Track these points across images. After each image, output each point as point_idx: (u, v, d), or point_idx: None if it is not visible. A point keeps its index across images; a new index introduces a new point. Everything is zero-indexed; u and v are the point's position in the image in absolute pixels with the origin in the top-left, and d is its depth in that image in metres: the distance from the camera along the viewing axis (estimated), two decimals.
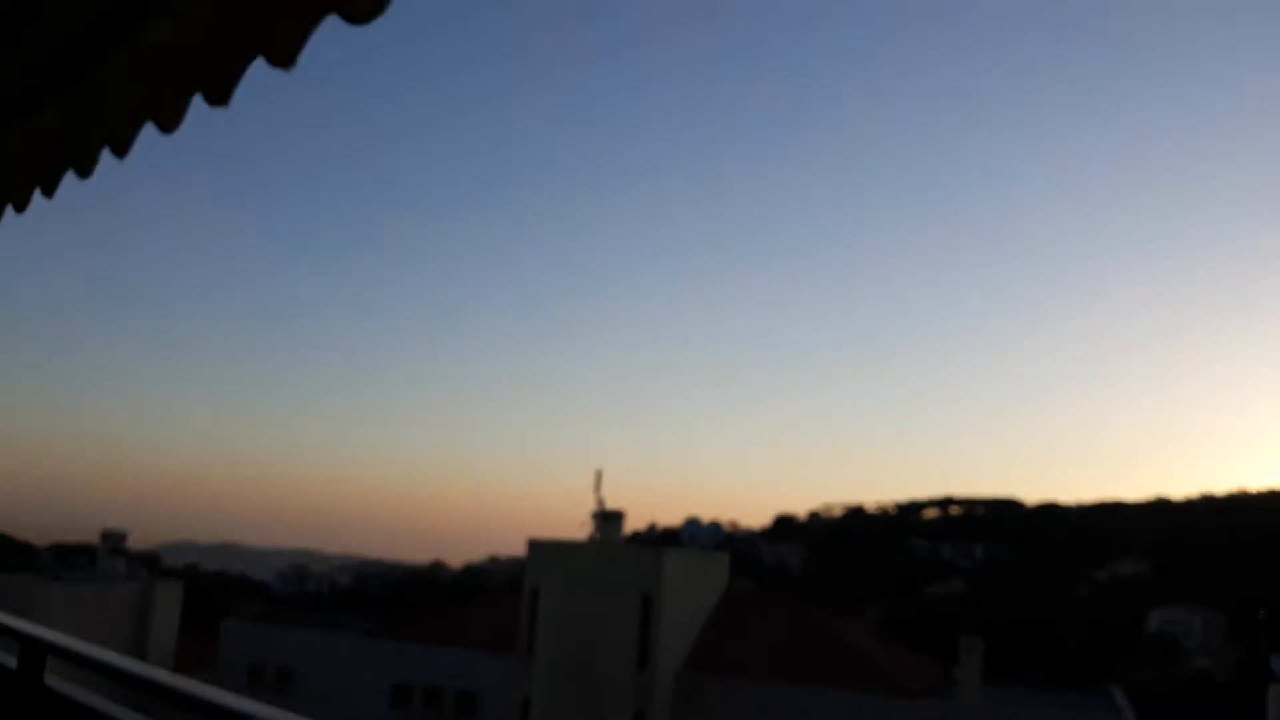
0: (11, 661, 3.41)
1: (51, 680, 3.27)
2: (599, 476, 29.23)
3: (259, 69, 1.82)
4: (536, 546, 27.71)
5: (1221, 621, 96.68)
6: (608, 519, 28.84)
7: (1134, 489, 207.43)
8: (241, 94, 1.91)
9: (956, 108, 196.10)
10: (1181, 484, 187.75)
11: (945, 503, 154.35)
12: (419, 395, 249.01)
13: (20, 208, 2.87)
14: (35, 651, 3.30)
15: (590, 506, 28.79)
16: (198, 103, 2.00)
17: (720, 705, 25.40)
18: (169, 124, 2.10)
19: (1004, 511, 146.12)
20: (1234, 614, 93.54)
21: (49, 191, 2.70)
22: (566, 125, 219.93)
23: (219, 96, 1.92)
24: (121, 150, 2.31)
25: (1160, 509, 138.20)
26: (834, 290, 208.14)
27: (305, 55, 1.73)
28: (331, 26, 1.67)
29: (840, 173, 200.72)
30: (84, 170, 2.48)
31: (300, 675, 27.48)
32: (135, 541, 35.54)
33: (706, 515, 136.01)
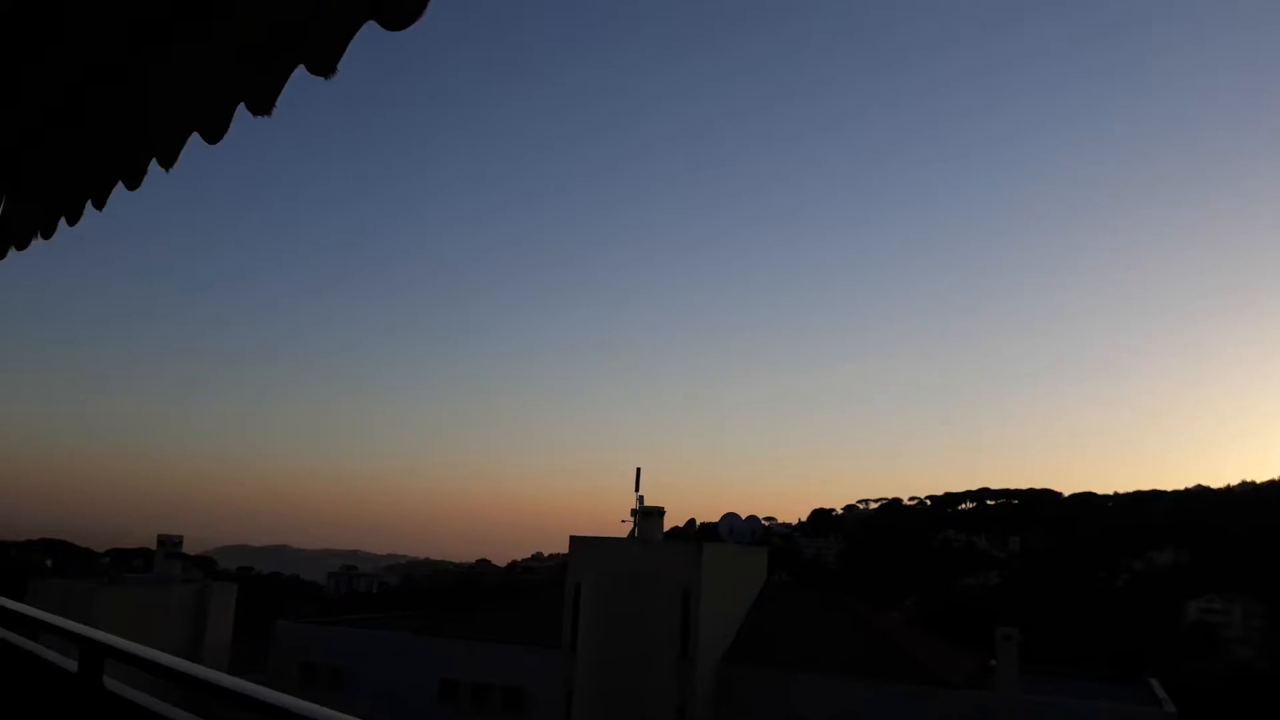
0: (72, 665, 3.46)
1: (111, 683, 3.30)
2: (639, 474, 29.69)
3: (300, 76, 1.85)
4: (578, 543, 28.19)
5: (1262, 611, 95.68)
6: (648, 515, 29.28)
7: (1172, 478, 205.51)
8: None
9: (971, 100, 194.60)
10: (1220, 472, 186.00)
11: (981, 494, 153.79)
12: (464, 398, 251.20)
13: (72, 220, 2.89)
14: (94, 654, 3.33)
15: (631, 503, 29.26)
16: (241, 112, 2.03)
17: (760, 697, 25.86)
18: (214, 134, 2.12)
19: (1040, 502, 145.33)
20: (1275, 603, 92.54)
21: (99, 203, 2.73)
22: (604, 131, 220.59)
23: (262, 106, 1.95)
24: (168, 161, 2.33)
25: (1199, 497, 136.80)
26: (868, 287, 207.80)
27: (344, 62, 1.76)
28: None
29: (871, 170, 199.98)
30: (133, 181, 2.51)
31: (351, 673, 28.25)
32: (191, 546, 36.48)
33: (744, 510, 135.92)
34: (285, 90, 1.90)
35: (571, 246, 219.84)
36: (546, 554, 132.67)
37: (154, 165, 2.41)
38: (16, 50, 2.47)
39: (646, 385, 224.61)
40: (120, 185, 2.59)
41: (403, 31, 1.66)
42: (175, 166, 2.33)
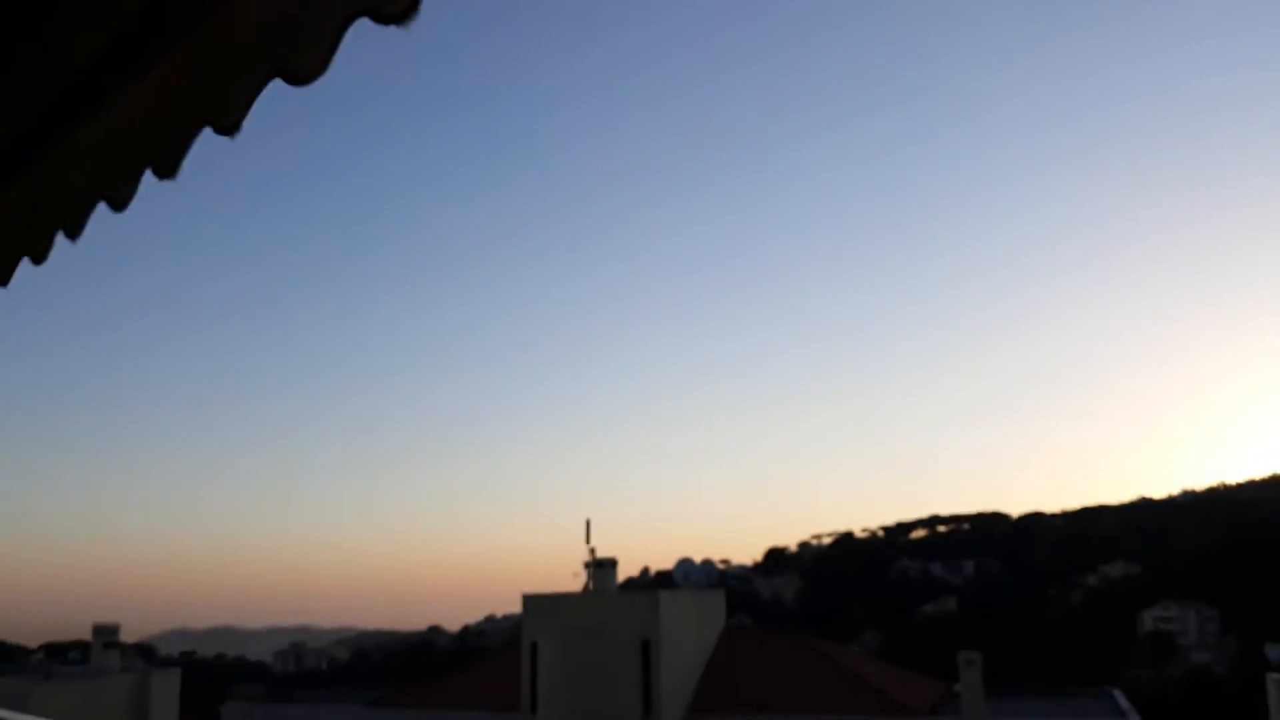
0: None
1: None
2: (589, 525, 29.36)
3: (206, 138, 1.83)
4: (531, 601, 27.75)
5: (1215, 616, 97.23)
6: (600, 567, 28.90)
7: (1116, 492, 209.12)
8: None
9: (948, 114, 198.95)
10: (1162, 483, 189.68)
11: (932, 521, 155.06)
12: (404, 461, 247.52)
13: None
14: None
15: (582, 556, 28.88)
16: (147, 178, 2.00)
17: None
18: (120, 202, 2.10)
19: (990, 525, 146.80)
20: (1226, 607, 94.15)
21: (4, 280, 2.67)
22: (558, 175, 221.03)
23: (167, 170, 1.94)
24: (74, 233, 2.29)
25: (1143, 509, 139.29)
26: (809, 319, 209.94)
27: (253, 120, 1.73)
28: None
29: (814, 211, 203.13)
30: (38, 256, 2.46)
31: None
32: (129, 634, 35.19)
33: (698, 555, 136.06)
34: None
35: (510, 296, 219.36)
36: (500, 615, 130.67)
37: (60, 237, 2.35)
38: None
39: (591, 435, 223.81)
40: (25, 261, 2.51)
41: (310, 86, 1.63)
42: (80, 238, 2.27)
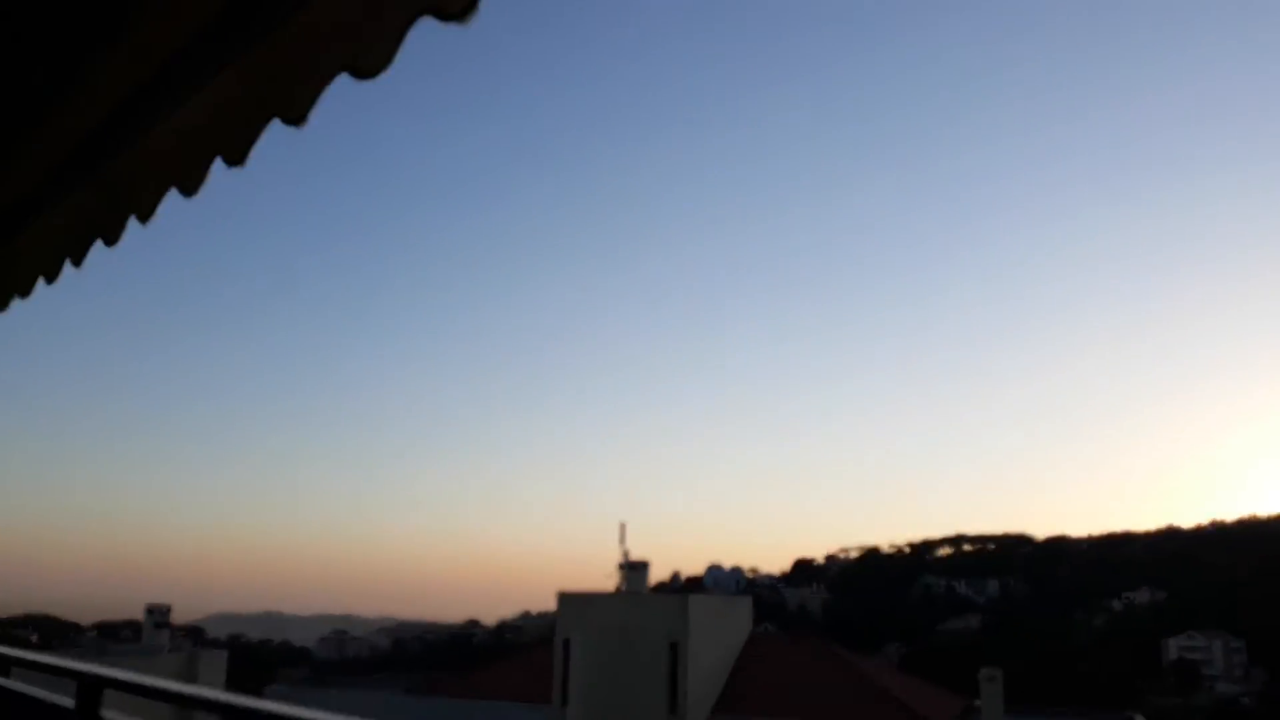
0: (69, 702, 3.44)
1: (110, 714, 3.29)
2: (623, 528, 30.11)
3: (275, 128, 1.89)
4: (566, 599, 28.48)
5: (1241, 647, 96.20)
6: (633, 569, 29.61)
7: (1144, 519, 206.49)
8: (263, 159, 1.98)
9: (972, 135, 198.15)
10: (1191, 512, 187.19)
11: (958, 540, 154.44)
12: (447, 457, 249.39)
13: (50, 279, 2.91)
14: (92, 688, 3.33)
15: (616, 558, 29.63)
16: (217, 165, 2.07)
17: None
18: (191, 188, 2.16)
19: (1016, 546, 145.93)
20: (1254, 639, 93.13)
21: (77, 261, 2.73)
22: (581, 182, 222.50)
23: (237, 159, 2.00)
24: (145, 216, 2.35)
25: (1171, 538, 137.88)
26: (844, 337, 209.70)
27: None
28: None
29: (844, 227, 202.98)
30: (111, 239, 2.52)
31: None
32: (179, 616, 36.29)
33: (728, 562, 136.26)
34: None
35: (559, 299, 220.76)
36: (535, 612, 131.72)
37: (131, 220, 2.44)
38: (21, 114, 2.55)
39: (627, 440, 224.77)
40: (98, 243, 2.60)
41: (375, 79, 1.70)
42: (153, 219, 2.36)
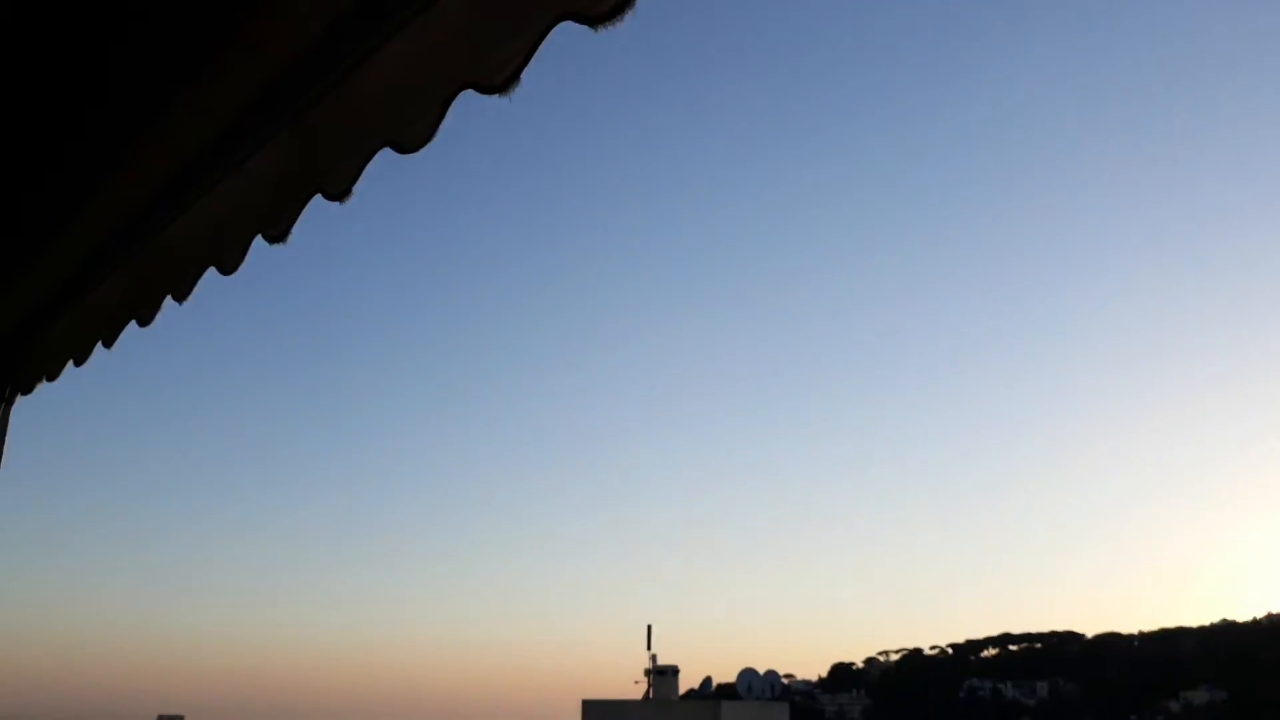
0: None
1: None
2: (650, 631, 29.36)
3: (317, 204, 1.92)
4: (591, 707, 27.66)
5: None
6: (662, 674, 28.78)
7: (1198, 613, 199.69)
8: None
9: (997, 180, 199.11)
10: (1248, 606, 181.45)
11: (1003, 640, 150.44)
12: (460, 565, 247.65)
13: (80, 361, 2.91)
14: None
15: (644, 663, 28.81)
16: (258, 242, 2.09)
17: None
18: (229, 267, 2.19)
19: (1064, 644, 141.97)
20: None
21: (109, 343, 2.75)
22: (584, 279, 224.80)
23: (278, 236, 2.03)
24: (181, 296, 2.38)
25: (1227, 631, 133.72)
26: (875, 435, 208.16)
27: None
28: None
29: (869, 316, 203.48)
30: (146, 319, 2.55)
31: None
32: None
33: (762, 666, 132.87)
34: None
35: (565, 392, 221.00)
36: None
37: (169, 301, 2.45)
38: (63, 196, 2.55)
39: (653, 540, 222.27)
40: (132, 324, 2.61)
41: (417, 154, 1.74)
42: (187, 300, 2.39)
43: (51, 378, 3.08)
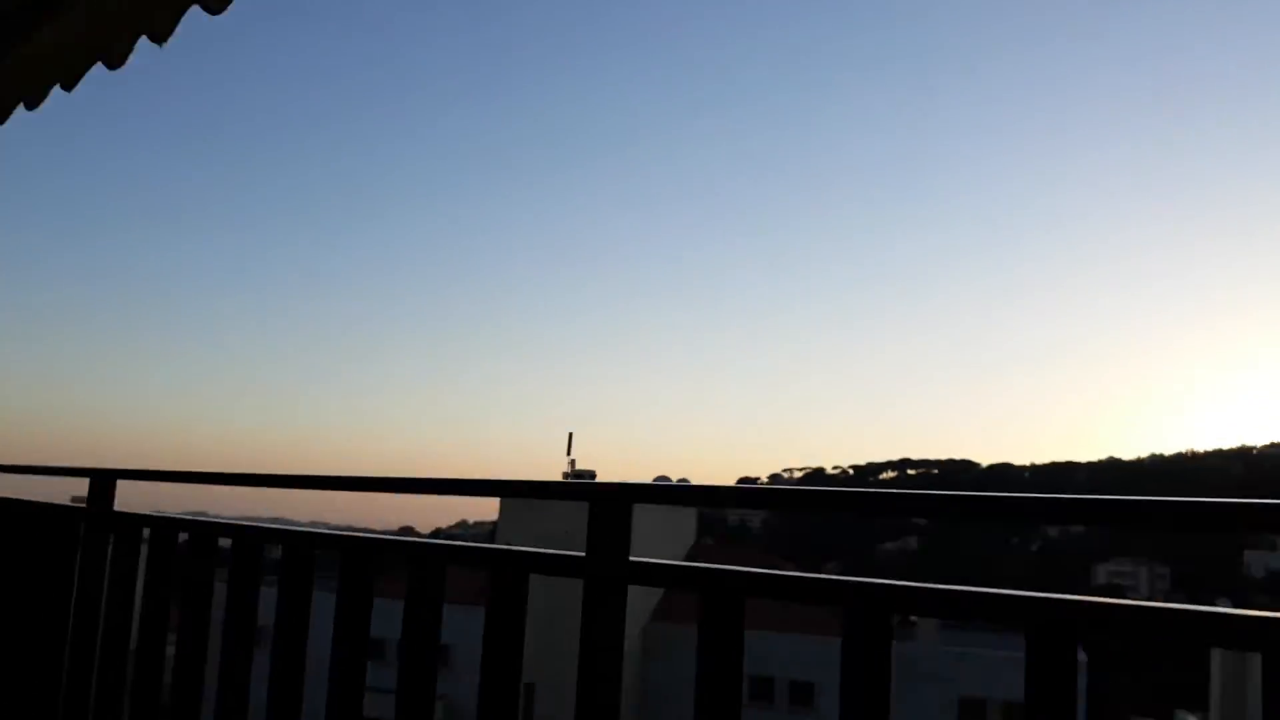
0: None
1: (121, 506, 3.39)
2: (570, 438, 29.85)
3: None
4: (507, 505, 28.20)
5: (1166, 574, 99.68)
6: (579, 478, 29.45)
7: (1086, 450, 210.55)
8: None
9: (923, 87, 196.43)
10: (1132, 445, 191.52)
11: (902, 464, 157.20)
12: (389, 359, 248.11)
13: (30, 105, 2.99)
14: (103, 481, 3.38)
15: (562, 467, 29.41)
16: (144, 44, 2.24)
17: (684, 652, 26.25)
18: (114, 62, 2.32)
19: (959, 472, 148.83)
20: (1177, 566, 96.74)
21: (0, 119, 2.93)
22: (555, 116, 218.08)
23: (160, 37, 2.17)
24: (69, 85, 2.54)
25: (1111, 468, 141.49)
26: (794, 258, 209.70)
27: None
28: None
29: (799, 161, 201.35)
30: (32, 103, 2.71)
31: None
32: None
33: (674, 475, 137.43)
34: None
35: (524, 203, 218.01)
36: (472, 521, 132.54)
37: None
38: None
39: (575, 347, 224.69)
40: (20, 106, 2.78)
41: None
42: (74, 89, 2.49)
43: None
